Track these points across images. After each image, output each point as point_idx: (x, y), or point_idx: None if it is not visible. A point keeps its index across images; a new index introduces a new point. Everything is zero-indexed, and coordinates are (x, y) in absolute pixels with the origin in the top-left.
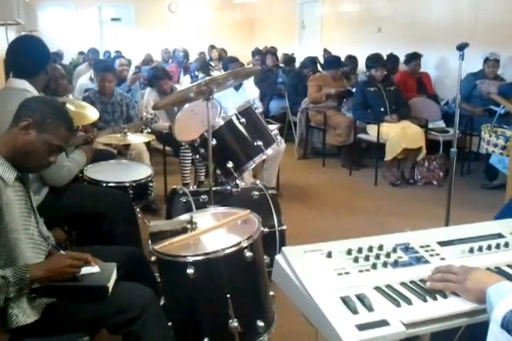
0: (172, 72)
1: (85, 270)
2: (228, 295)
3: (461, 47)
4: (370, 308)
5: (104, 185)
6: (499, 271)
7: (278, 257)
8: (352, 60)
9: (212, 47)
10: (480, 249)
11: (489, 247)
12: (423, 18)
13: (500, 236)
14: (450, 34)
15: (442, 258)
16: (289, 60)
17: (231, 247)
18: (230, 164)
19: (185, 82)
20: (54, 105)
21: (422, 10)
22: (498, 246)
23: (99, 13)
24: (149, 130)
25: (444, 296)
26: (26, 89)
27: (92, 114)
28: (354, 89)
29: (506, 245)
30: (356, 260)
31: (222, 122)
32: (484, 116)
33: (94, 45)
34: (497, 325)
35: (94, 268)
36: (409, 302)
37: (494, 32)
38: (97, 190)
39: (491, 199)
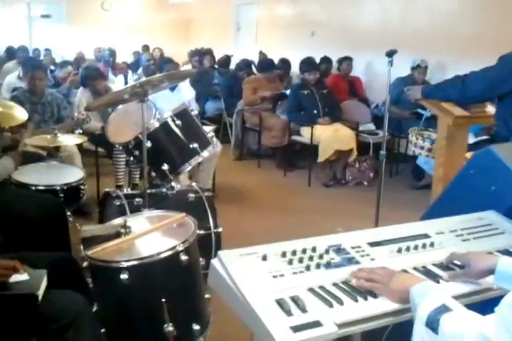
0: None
1: (14, 278)
2: (163, 300)
3: (390, 54)
4: (303, 310)
5: (34, 188)
6: (426, 270)
7: (214, 261)
8: (285, 63)
9: (146, 47)
10: (408, 249)
11: (416, 247)
12: (355, 23)
13: (426, 236)
14: (380, 39)
15: (372, 259)
16: (226, 61)
17: (166, 251)
18: (165, 166)
19: (117, 82)
20: None
21: (354, 15)
22: (424, 246)
23: (28, 9)
24: (81, 131)
25: (375, 296)
26: None
27: (20, 114)
28: (288, 92)
29: (432, 245)
30: (291, 262)
31: (157, 124)
32: (412, 119)
33: (23, 42)
34: (422, 324)
35: (23, 276)
36: (341, 302)
37: (421, 38)
38: (26, 194)
39: (419, 198)
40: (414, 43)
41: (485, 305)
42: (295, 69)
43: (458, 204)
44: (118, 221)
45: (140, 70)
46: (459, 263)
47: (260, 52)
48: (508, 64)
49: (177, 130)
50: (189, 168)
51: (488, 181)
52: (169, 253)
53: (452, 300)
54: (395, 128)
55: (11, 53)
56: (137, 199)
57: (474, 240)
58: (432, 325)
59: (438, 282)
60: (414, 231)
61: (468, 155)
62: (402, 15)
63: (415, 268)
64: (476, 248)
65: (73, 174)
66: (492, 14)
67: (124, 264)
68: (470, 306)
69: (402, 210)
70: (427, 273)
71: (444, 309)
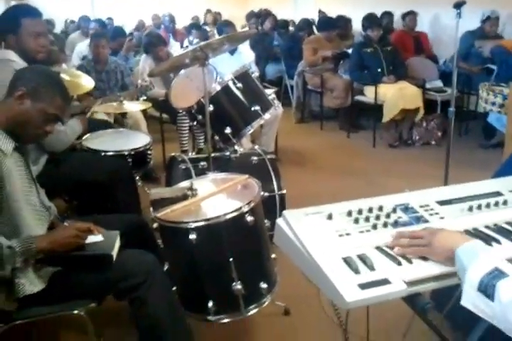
0: None
1: (89, 239)
2: (231, 259)
3: (458, 5)
4: (371, 268)
5: (103, 154)
6: (498, 228)
7: (279, 221)
8: (345, 20)
9: (208, 11)
10: (479, 207)
11: (488, 205)
12: None
13: (498, 194)
14: None
15: (441, 218)
16: (285, 22)
17: (232, 212)
18: (228, 130)
19: (174, 47)
20: (48, 74)
21: None
22: (496, 204)
23: None
24: (145, 97)
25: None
26: (10, 59)
27: (86, 83)
28: (350, 51)
29: (505, 203)
30: (357, 221)
31: (218, 88)
32: (482, 75)
33: (85, 12)
34: (473, 288)
35: (98, 237)
36: (409, 261)
37: None
38: (96, 159)
39: (490, 157)
40: None
41: None
42: (357, 26)
43: None
44: (184, 184)
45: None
46: None
47: (320, 11)
48: None
49: (238, 93)
50: (251, 130)
51: None
52: (235, 214)
53: (506, 262)
54: (464, 85)
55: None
56: (202, 163)
57: None
58: (486, 291)
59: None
60: (485, 189)
61: None
62: None
63: (487, 227)
64: None
65: (140, 139)
66: None
67: (192, 225)
68: None
69: (472, 170)
70: (499, 231)
71: (498, 273)
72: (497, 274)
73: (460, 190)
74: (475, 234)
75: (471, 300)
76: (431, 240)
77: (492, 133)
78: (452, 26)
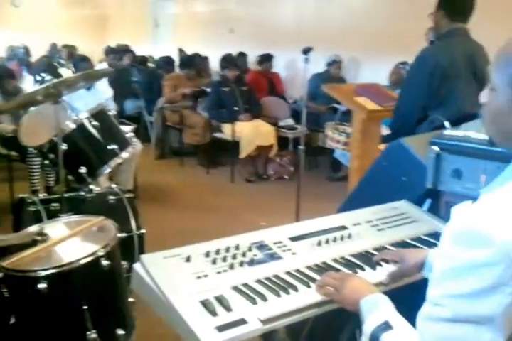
0: (14, 70)
1: None
2: (85, 307)
3: (306, 51)
4: (228, 309)
5: None
6: (345, 262)
7: (136, 266)
8: (203, 58)
9: (55, 45)
10: (327, 241)
11: (335, 239)
12: (272, 20)
13: (344, 228)
14: (297, 36)
15: (294, 253)
16: (144, 58)
17: (86, 257)
18: (82, 169)
19: (27, 81)
20: None
21: (271, 12)
22: (342, 238)
23: None
24: None
25: (296, 290)
26: None
27: None
28: (208, 89)
29: (349, 236)
30: (214, 261)
31: (73, 126)
32: (329, 114)
33: None
34: (366, 340)
35: None
36: (264, 298)
37: (336, 35)
38: None
39: (337, 189)
40: (329, 40)
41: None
42: (214, 65)
43: (372, 195)
44: (34, 228)
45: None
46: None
47: (180, 50)
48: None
49: (94, 131)
50: (108, 170)
51: (400, 172)
52: (89, 259)
53: (396, 315)
54: (313, 123)
55: None
56: (54, 205)
57: (389, 229)
58: None
59: (356, 272)
60: (332, 223)
61: (382, 147)
62: (317, 13)
63: (335, 260)
64: (390, 237)
65: None
66: (401, 10)
67: (42, 273)
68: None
69: (322, 202)
70: (346, 264)
71: (385, 327)
72: (384, 327)
73: (310, 225)
74: (325, 268)
75: None
76: (342, 286)
77: (338, 167)
78: (303, 68)
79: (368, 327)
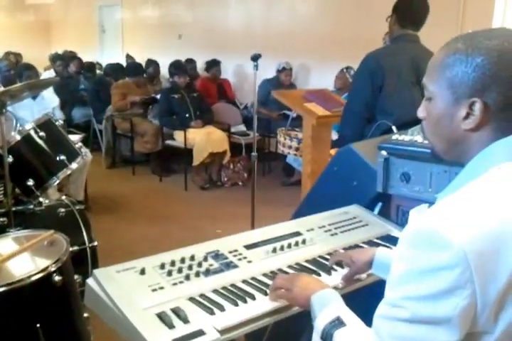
0: None
1: None
2: (38, 325)
3: (255, 58)
4: (185, 320)
5: None
6: (300, 268)
7: (89, 281)
8: (154, 64)
9: (7, 53)
10: (282, 248)
11: (289, 246)
12: (221, 26)
13: (298, 234)
14: (246, 42)
15: (249, 261)
16: (91, 65)
17: (37, 273)
18: (30, 182)
19: None
20: None
21: (220, 18)
22: (296, 244)
23: None
24: None
25: (253, 298)
26: None
27: None
28: (158, 96)
29: (303, 242)
30: (170, 273)
31: (18, 137)
32: (280, 120)
33: None
34: (318, 336)
35: None
36: (221, 308)
37: (284, 41)
38: None
39: (290, 195)
40: (278, 46)
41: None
42: (164, 72)
43: (325, 200)
44: None
45: None
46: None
47: (127, 56)
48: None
49: (41, 142)
50: (57, 181)
51: (351, 177)
52: (41, 275)
53: (348, 311)
54: (265, 129)
55: None
56: (1, 219)
57: (342, 234)
58: (326, 339)
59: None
60: (286, 230)
61: (333, 151)
62: (266, 19)
63: (290, 266)
64: (343, 241)
65: None
66: (348, 15)
67: None
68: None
69: (276, 207)
70: (301, 270)
71: (338, 323)
72: (336, 324)
73: (264, 232)
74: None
75: None
76: (292, 286)
77: (291, 172)
78: (252, 74)
79: (320, 322)
